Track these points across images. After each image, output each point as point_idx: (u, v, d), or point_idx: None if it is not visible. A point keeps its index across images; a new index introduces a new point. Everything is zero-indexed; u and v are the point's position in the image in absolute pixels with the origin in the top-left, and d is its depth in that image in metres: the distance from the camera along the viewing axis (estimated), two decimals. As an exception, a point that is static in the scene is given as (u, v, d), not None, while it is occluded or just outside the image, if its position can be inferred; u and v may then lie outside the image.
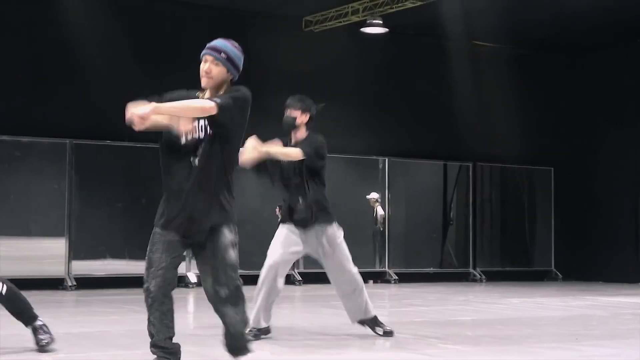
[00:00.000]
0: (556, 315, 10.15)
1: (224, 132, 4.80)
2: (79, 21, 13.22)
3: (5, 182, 12.83)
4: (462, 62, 16.34)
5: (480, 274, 16.62)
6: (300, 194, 7.05)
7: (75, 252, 13.11)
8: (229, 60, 4.92)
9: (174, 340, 5.02)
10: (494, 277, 16.52)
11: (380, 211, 15.99)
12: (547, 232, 17.54)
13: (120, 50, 13.61)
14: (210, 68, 4.87)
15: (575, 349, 6.81)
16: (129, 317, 8.96)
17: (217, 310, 4.93)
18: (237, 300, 4.87)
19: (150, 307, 4.89)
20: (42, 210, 13.21)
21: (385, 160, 16.12)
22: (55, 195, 13.21)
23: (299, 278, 14.51)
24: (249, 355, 4.95)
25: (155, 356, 4.95)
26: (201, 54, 4.93)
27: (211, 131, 4.80)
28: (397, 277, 15.56)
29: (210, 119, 4.77)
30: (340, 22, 14.87)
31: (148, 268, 4.91)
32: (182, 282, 13.62)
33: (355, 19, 14.69)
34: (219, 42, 4.97)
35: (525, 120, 17.11)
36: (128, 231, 13.64)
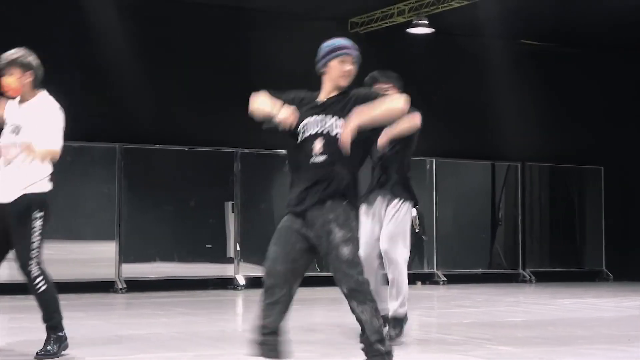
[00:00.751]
0: (608, 316, 10.03)
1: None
2: (119, 25, 13.37)
3: (55, 187, 13.00)
4: (508, 62, 16.21)
5: (529, 275, 16.48)
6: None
7: (125, 255, 13.24)
8: (359, 59, 5.14)
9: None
10: (543, 277, 16.37)
11: (413, 213, 15.90)
12: (598, 232, 17.34)
13: (160, 55, 13.74)
14: (352, 68, 5.07)
15: (628, 350, 6.73)
16: (178, 320, 9.03)
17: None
18: (359, 297, 4.77)
19: (261, 295, 5.00)
20: (92, 214, 13.38)
21: (432, 160, 16.05)
22: (105, 199, 13.37)
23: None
24: None
25: (259, 345, 4.93)
26: (335, 54, 5.11)
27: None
28: (445, 279, 15.49)
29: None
30: (386, 23, 14.86)
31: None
32: (231, 284, 13.71)
33: (401, 19, 14.67)
34: (347, 42, 5.18)
35: (575, 119, 16.94)
36: (177, 234, 13.76)
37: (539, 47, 16.82)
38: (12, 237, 6.11)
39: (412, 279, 15.35)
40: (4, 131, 6.34)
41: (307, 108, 5.04)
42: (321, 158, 4.87)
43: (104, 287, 12.80)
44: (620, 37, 16.29)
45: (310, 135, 4.95)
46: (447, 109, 16.02)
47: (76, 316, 8.31)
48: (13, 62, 6.25)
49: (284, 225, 4.98)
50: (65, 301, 8.66)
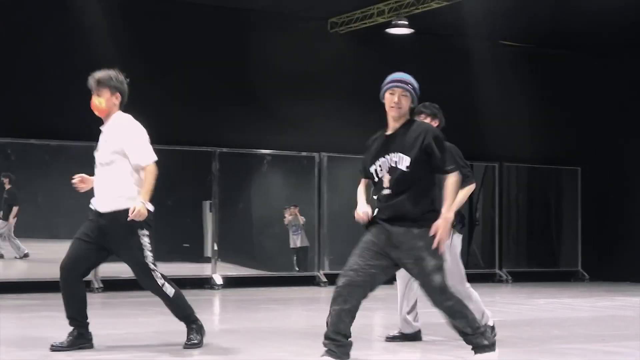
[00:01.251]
0: (583, 316, 10.10)
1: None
2: (101, 24, 13.32)
3: (34, 186, 12.95)
4: (487, 63, 16.29)
5: (506, 275, 16.56)
6: None
7: (103, 255, 13.18)
8: (414, 91, 5.67)
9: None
10: (520, 277, 16.45)
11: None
12: (574, 233, 17.45)
13: (139, 55, 13.70)
14: (400, 100, 5.56)
15: (603, 350, 6.78)
16: (155, 319, 9.01)
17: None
18: (452, 314, 5.49)
19: (333, 301, 5.38)
20: (70, 213, 13.31)
21: (410, 161, 16.08)
22: (84, 198, 13.29)
23: (324, 279, 14.51)
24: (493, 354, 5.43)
25: (325, 348, 5.38)
26: (387, 87, 5.63)
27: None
28: (423, 278, 15.51)
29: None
30: (366, 23, 14.89)
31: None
32: (208, 283, 13.69)
33: (380, 20, 14.70)
34: (402, 75, 5.71)
35: (552, 120, 17.03)
36: (154, 233, 13.70)
37: (518, 48, 16.91)
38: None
39: (389, 280, 15.39)
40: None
41: (378, 145, 5.71)
42: (389, 191, 5.48)
43: (80, 286, 12.72)
44: (599, 41, 16.39)
45: (381, 172, 5.58)
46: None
47: (53, 316, 8.27)
48: (104, 84, 6.41)
49: (369, 240, 5.50)
50: (41, 300, 8.66)
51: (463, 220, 7.37)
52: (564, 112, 17.28)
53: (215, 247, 14.01)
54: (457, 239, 7.14)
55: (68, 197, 13.34)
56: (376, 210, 5.60)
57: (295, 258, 15.35)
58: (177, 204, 13.93)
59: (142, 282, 6.54)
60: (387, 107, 5.61)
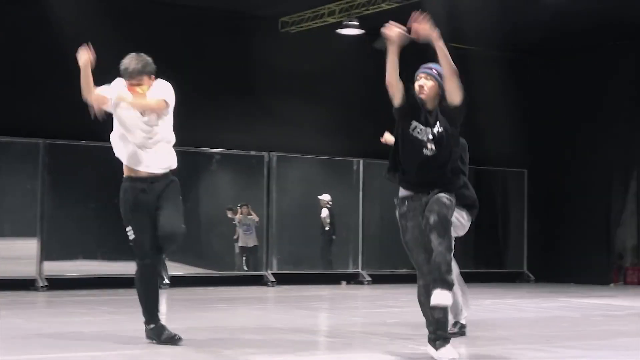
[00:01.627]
0: (528, 316, 10.20)
1: None
2: (54, 19, 13.15)
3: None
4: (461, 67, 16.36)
5: (453, 276, 16.64)
6: None
7: (47, 253, 13.03)
8: (439, 75, 6.14)
9: None
10: (467, 278, 16.31)
11: (324, 213, 16.05)
12: (520, 234, 17.64)
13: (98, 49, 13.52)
14: (422, 84, 6.12)
15: (547, 350, 6.85)
16: (101, 318, 8.92)
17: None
18: (442, 231, 5.82)
19: (421, 305, 6.16)
20: (14, 210, 13.13)
21: (360, 161, 16.14)
22: (27, 196, 13.13)
23: (272, 279, 14.50)
24: (447, 293, 5.78)
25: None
26: (417, 73, 6.24)
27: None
28: (370, 279, 15.58)
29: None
30: (317, 23, 14.90)
31: None
32: (156, 282, 13.58)
33: (331, 20, 14.72)
34: (432, 64, 6.23)
35: (499, 123, 17.16)
36: (101, 232, 13.58)
37: (467, 51, 17.01)
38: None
39: (337, 279, 15.44)
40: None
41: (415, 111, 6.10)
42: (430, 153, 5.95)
43: (24, 285, 12.57)
44: (547, 44, 16.59)
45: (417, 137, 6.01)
46: (375, 110, 16.08)
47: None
48: (143, 72, 6.56)
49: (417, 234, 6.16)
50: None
51: (475, 204, 7.61)
52: (512, 114, 17.43)
53: (163, 246, 13.89)
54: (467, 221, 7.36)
55: (11, 195, 13.22)
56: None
57: (244, 257, 15.32)
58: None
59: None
60: (416, 90, 6.13)
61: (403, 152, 6.07)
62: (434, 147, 5.96)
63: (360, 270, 15.84)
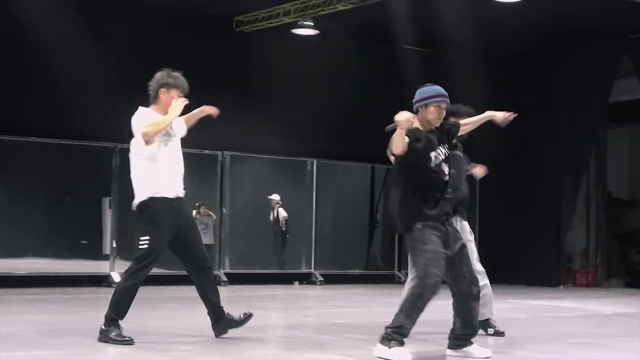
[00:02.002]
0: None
1: None
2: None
3: None
4: (390, 66, 16.45)
5: (405, 276, 16.70)
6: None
7: (-4, 250, 12.88)
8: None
9: None
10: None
11: (282, 213, 16.08)
12: (471, 236, 17.72)
13: (52, 45, 13.38)
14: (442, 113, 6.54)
15: (496, 351, 6.90)
16: (50, 317, 8.82)
17: (465, 305, 6.38)
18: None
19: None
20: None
21: (313, 161, 16.16)
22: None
23: (225, 279, 14.44)
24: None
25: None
26: (434, 100, 6.56)
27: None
28: (322, 279, 15.60)
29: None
30: (272, 22, 14.88)
31: None
32: (106, 281, 13.47)
33: (286, 20, 14.71)
34: (441, 89, 6.60)
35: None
36: (51, 229, 13.45)
37: (420, 52, 17.08)
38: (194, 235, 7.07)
39: (290, 279, 15.44)
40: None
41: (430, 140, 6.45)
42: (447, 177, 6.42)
43: (-28, 282, 12.40)
44: (492, 48, 16.66)
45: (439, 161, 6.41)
46: (329, 110, 16.15)
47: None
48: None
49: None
50: None
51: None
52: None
53: (114, 245, 13.79)
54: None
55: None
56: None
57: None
58: (74, 200, 13.68)
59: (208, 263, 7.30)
60: (432, 117, 6.52)
61: (423, 185, 6.40)
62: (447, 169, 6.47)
63: (312, 270, 15.85)
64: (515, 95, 16.48)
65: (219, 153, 15.01)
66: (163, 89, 7.12)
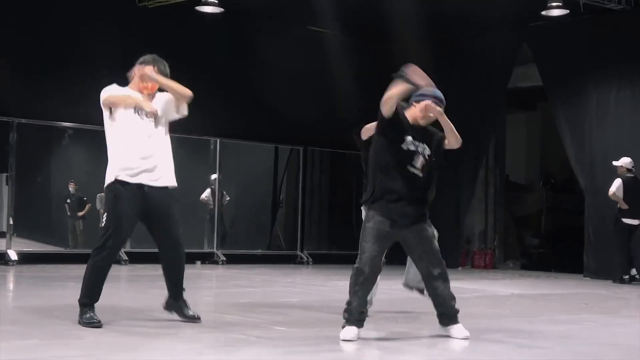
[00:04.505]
0: (381, 298, 10.38)
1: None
2: None
3: None
4: (297, 47, 16.45)
5: (307, 257, 16.83)
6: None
7: None
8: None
9: None
10: (321, 260, 16.77)
11: (225, 196, 16.10)
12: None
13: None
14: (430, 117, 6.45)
15: (397, 328, 7.00)
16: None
17: (429, 286, 6.55)
18: (446, 277, 6.52)
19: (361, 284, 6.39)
20: None
21: (217, 140, 16.06)
22: None
23: (125, 257, 14.25)
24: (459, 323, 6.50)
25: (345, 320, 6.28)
26: (435, 100, 6.42)
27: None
28: (225, 259, 15.56)
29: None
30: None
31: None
32: (3, 259, 13.17)
33: (190, -5, 14.53)
34: (440, 94, 6.48)
35: (358, 106, 17.32)
36: None
37: (327, 35, 17.09)
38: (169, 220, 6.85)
39: (192, 259, 15.34)
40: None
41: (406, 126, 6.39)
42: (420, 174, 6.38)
43: None
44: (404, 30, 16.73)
45: (410, 150, 6.35)
46: (233, 90, 16.06)
47: None
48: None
49: (382, 229, 6.40)
50: None
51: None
52: (371, 98, 17.59)
53: (11, 222, 13.48)
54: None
55: None
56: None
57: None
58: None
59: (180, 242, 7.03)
60: (420, 113, 6.42)
61: (386, 167, 6.35)
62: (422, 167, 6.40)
63: (215, 250, 15.78)
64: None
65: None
66: (139, 66, 7.05)
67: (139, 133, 6.66)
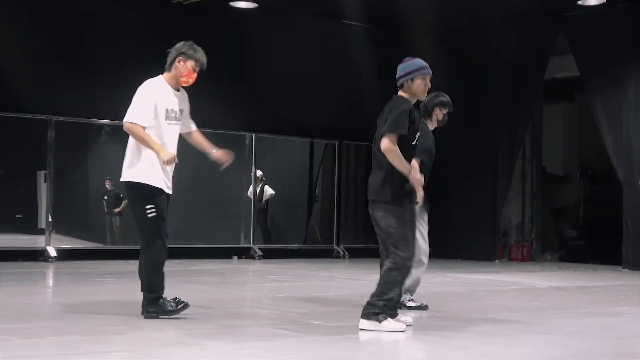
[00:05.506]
0: (417, 291, 10.36)
1: None
2: None
3: None
4: (330, 40, 16.43)
5: (343, 251, 16.83)
6: None
7: None
8: None
9: None
10: (357, 253, 16.76)
11: (269, 190, 16.09)
12: (410, 211, 17.85)
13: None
14: (428, 85, 6.76)
15: (435, 325, 6.98)
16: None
17: None
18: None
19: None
20: None
21: (252, 136, 16.10)
22: None
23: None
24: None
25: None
26: (421, 72, 6.70)
27: None
28: (261, 253, 15.60)
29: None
30: (210, -5, 14.73)
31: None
32: (42, 256, 13.31)
33: (225, -7, 14.58)
34: (423, 62, 6.76)
35: (375, 97, 17.24)
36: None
37: (359, 28, 17.06)
38: None
39: (228, 254, 15.40)
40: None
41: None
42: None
43: None
44: (423, 20, 16.59)
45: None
46: (268, 84, 16.08)
47: None
48: None
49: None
50: None
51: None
52: (389, 89, 17.53)
53: (50, 219, 13.61)
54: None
55: None
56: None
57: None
58: (9, 173, 13.46)
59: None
60: (419, 90, 6.71)
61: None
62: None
63: (251, 244, 15.83)
64: (451, 71, 16.56)
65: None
66: (180, 57, 7.00)
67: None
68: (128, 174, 6.82)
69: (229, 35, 15.52)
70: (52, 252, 13.39)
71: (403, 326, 6.43)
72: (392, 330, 6.32)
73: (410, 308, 7.77)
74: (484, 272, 13.47)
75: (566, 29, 15.92)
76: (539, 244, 17.93)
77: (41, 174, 13.85)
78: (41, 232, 13.67)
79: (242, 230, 16.00)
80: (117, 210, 14.99)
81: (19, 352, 5.25)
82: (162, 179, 6.81)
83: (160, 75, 6.99)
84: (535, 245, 17.74)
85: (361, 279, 11.67)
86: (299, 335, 6.21)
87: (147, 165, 6.76)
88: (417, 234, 7.14)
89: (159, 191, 6.77)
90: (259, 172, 16.04)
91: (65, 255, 13.54)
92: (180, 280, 10.81)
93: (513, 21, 16.43)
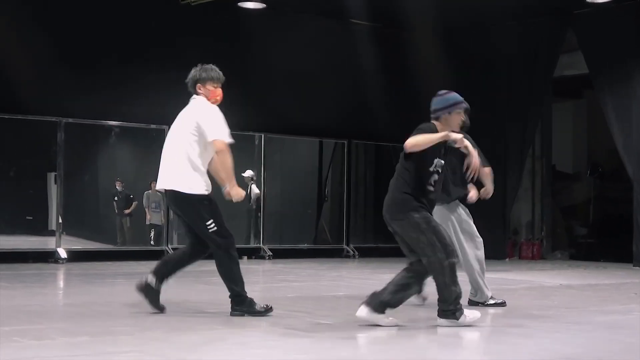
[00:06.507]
0: (427, 289, 10.36)
1: None
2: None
3: None
4: (338, 40, 16.43)
5: (353, 250, 16.83)
6: None
7: None
8: None
9: None
10: (366, 253, 16.76)
11: (255, 190, 16.03)
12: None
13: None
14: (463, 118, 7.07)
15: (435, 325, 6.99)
16: (-5, 293, 8.72)
17: None
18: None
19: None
20: None
21: (261, 136, 16.11)
22: None
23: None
24: None
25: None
26: (458, 107, 7.12)
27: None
28: (271, 254, 15.61)
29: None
30: (218, -5, 14.74)
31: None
32: (52, 257, 13.35)
33: (232, -7, 14.59)
34: (459, 96, 7.17)
35: (399, 98, 17.30)
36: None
37: (366, 27, 17.06)
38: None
39: (239, 254, 15.39)
40: None
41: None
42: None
43: None
44: (429, 18, 16.54)
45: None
46: (276, 84, 16.09)
47: None
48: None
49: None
50: None
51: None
52: (411, 90, 17.52)
53: (60, 220, 13.65)
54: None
55: None
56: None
57: (152, 233, 15.14)
58: (19, 175, 13.51)
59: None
60: (455, 124, 7.02)
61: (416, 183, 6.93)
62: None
63: (261, 245, 15.84)
64: (460, 69, 16.55)
65: (165, 127, 14.83)
66: (199, 85, 7.37)
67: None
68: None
69: (238, 35, 15.54)
70: (63, 253, 13.43)
71: (478, 313, 6.64)
72: (471, 322, 6.50)
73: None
74: (494, 271, 13.40)
75: (575, 27, 15.89)
76: (549, 242, 17.89)
77: (51, 176, 13.89)
78: (52, 233, 13.72)
79: (252, 230, 16.01)
80: (127, 211, 15.03)
81: (30, 353, 5.28)
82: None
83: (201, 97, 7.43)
84: (546, 244, 17.70)
85: (371, 279, 11.67)
86: (308, 335, 6.22)
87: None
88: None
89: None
90: (250, 172, 15.98)
91: (76, 256, 13.58)
92: (190, 280, 10.83)
93: (522, 19, 16.40)
